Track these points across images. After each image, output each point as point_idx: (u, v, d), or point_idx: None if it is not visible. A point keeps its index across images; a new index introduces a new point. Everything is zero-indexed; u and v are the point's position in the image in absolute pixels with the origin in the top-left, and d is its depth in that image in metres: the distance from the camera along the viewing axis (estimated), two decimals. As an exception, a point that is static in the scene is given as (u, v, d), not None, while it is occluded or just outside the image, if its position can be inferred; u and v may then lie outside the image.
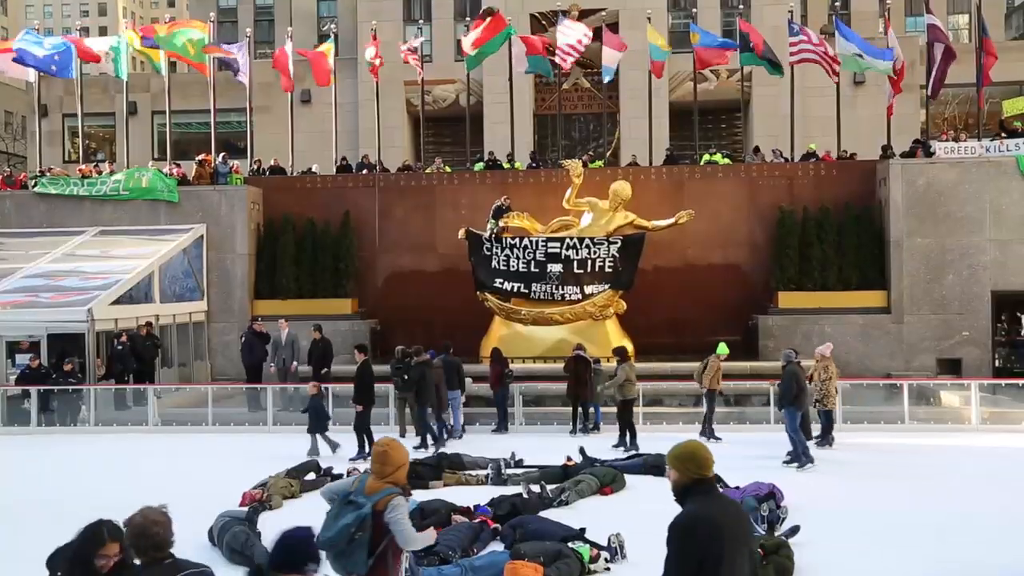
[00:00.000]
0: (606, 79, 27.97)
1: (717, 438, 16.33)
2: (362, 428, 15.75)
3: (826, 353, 16.02)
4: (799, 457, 14.20)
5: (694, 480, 4.69)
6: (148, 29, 27.82)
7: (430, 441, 16.22)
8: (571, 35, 26.25)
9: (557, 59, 26.61)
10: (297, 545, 4.73)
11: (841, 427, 17.44)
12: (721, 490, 12.36)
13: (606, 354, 21.06)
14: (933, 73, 24.82)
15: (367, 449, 15.07)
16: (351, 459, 15.18)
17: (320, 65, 27.85)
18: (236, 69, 27.17)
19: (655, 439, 15.89)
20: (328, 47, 28.28)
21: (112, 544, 4.72)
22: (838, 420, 17.51)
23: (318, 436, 15.73)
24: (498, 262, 22.37)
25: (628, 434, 16.13)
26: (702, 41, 26.34)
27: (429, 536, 6.13)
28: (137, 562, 4.58)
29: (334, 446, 15.78)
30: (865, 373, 22.59)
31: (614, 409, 17.10)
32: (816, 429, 15.90)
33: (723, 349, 17.15)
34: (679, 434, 16.34)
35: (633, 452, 15.20)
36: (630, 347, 22.17)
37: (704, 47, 26.25)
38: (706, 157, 26.99)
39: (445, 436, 16.76)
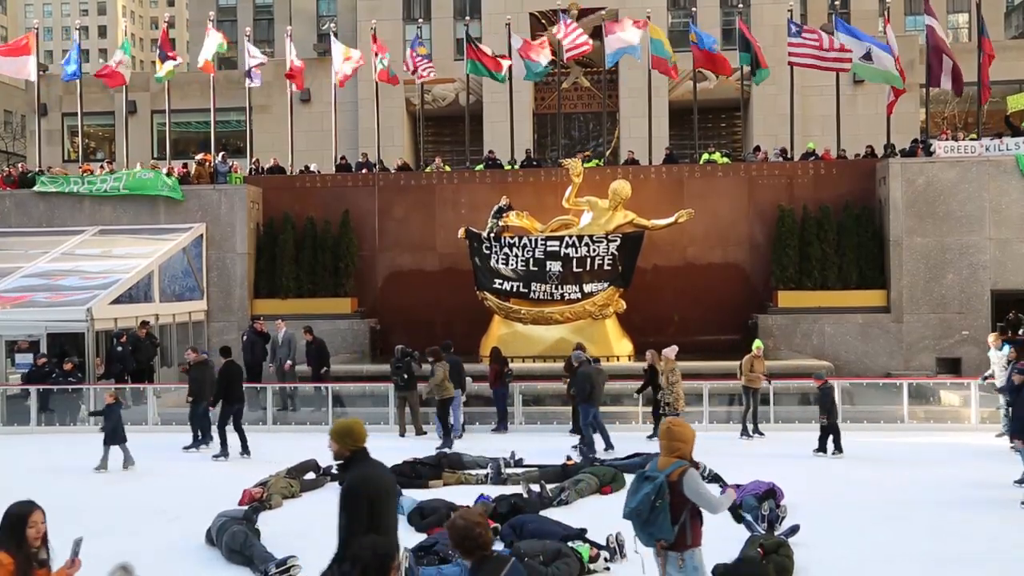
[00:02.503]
0: (624, 57, 27.46)
1: (761, 433, 16.63)
2: (224, 425, 15.68)
3: (671, 356, 16.14)
4: (587, 448, 14.95)
5: (352, 451, 6.04)
6: (166, 43, 27.76)
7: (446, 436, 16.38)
8: (573, 37, 26.21)
9: (561, 55, 26.63)
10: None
11: (841, 426, 17.44)
12: (720, 488, 12.47)
13: (606, 353, 21.13)
14: (933, 67, 24.79)
15: (238, 447, 15.59)
16: (215, 456, 15.51)
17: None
18: (253, 77, 27.40)
19: (655, 439, 15.90)
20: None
21: (38, 512, 5.37)
22: (837, 419, 17.53)
23: (114, 447, 14.63)
24: (497, 261, 22.36)
25: (447, 431, 16.35)
26: (702, 45, 26.25)
27: (728, 497, 6.65)
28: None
29: (129, 462, 14.73)
30: (864, 372, 22.60)
31: (620, 409, 17.12)
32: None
33: (758, 344, 17.28)
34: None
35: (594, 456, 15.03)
36: (629, 347, 22.36)
37: (704, 50, 26.15)
38: (705, 156, 26.98)
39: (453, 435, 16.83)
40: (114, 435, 14.63)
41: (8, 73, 27.51)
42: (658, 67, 26.52)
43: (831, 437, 15.04)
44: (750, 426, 16.85)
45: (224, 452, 15.50)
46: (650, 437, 16.22)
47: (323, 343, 21.00)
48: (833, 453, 14.99)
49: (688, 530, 6.37)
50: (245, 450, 15.71)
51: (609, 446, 15.35)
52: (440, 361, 16.75)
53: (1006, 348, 16.19)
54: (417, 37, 28.55)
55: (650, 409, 16.92)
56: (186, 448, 16.14)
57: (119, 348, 20.21)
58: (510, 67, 26.88)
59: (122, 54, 27.30)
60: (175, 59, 27.50)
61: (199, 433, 16.30)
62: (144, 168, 26.15)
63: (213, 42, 27.26)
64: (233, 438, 15.68)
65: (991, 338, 17.18)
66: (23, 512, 5.31)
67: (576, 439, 15.93)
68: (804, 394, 18.98)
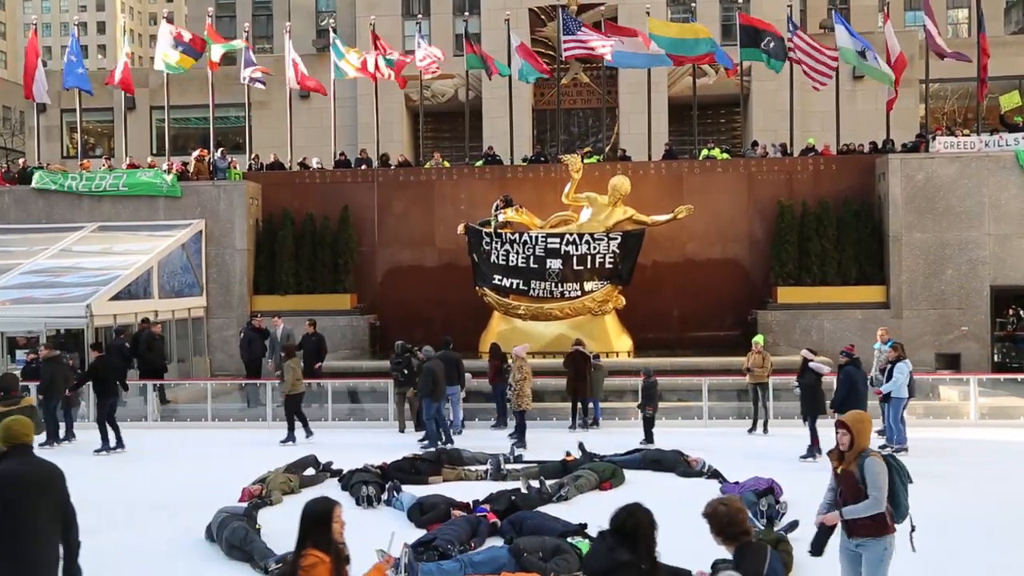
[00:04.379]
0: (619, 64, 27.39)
1: (765, 431, 16.66)
2: (103, 419, 15.87)
3: (521, 354, 16.17)
4: (432, 440, 15.40)
5: (11, 447, 6.18)
6: (198, 41, 27.54)
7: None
8: (585, 39, 26.07)
9: (562, 53, 26.55)
10: None
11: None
12: (720, 485, 12.46)
13: (605, 349, 21.13)
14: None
15: (112, 442, 15.77)
16: (96, 451, 15.66)
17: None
18: (263, 81, 27.28)
19: (656, 435, 15.91)
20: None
21: (339, 508, 5.33)
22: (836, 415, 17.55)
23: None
24: (497, 257, 22.33)
25: (299, 426, 16.56)
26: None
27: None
28: None
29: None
30: (864, 368, 22.56)
31: (619, 405, 17.17)
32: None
33: (759, 338, 17.22)
34: (679, 429, 16.39)
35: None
36: (629, 343, 22.36)
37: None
38: (705, 152, 26.95)
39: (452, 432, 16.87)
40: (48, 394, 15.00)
41: (43, 89, 27.40)
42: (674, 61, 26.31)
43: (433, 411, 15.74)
44: (760, 422, 16.83)
45: (105, 447, 15.68)
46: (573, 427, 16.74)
47: (322, 338, 21.02)
48: (514, 442, 15.45)
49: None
50: (119, 443, 15.86)
51: (448, 440, 15.65)
52: (293, 357, 16.94)
53: (887, 345, 15.98)
54: (420, 35, 28.35)
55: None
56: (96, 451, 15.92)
57: (126, 344, 20.28)
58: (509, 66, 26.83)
59: (128, 48, 27.29)
60: (200, 50, 27.06)
61: (55, 429, 16.40)
62: (143, 169, 26.11)
63: (220, 46, 27.11)
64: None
65: (880, 332, 16.92)
66: (328, 508, 5.21)
67: (574, 438, 15.92)
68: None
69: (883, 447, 14.04)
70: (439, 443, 15.45)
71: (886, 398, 15.02)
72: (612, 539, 5.06)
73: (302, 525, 5.19)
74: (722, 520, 5.25)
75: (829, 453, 6.97)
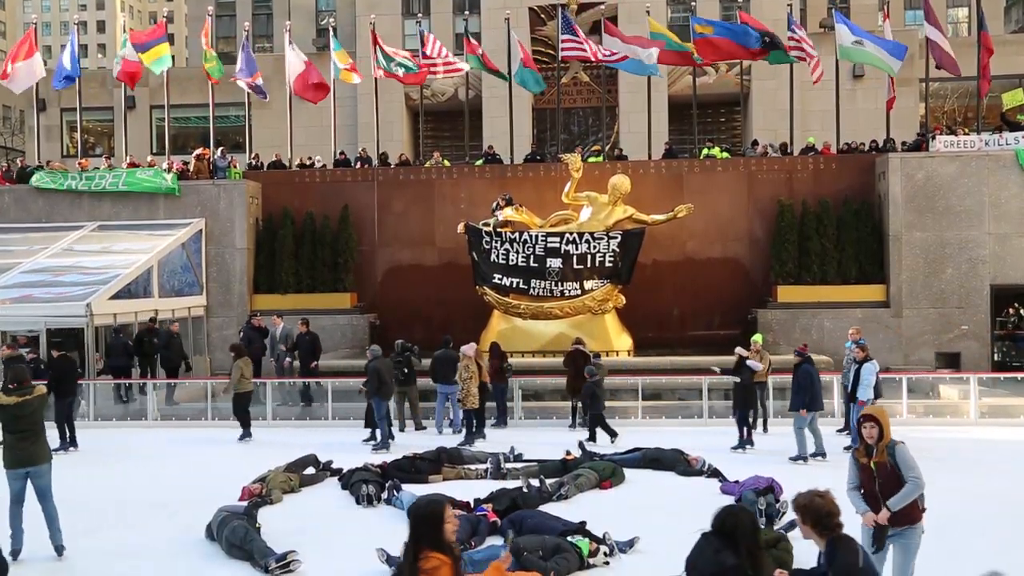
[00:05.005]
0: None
1: (765, 430, 16.63)
2: (62, 419, 15.84)
3: (469, 353, 16.23)
4: (383, 441, 15.38)
5: None
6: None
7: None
8: (584, 44, 26.05)
9: (562, 53, 26.54)
10: None
11: (840, 422, 17.47)
12: (720, 484, 12.48)
13: (605, 348, 21.14)
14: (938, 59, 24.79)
15: (67, 440, 15.81)
16: (54, 450, 15.42)
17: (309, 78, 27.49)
18: (263, 93, 27.21)
19: (655, 434, 15.93)
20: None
21: (449, 507, 5.24)
22: (837, 415, 17.56)
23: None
24: (497, 256, 22.33)
25: (246, 424, 16.73)
26: (718, 32, 25.73)
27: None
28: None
29: None
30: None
31: (619, 404, 17.13)
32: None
33: (757, 338, 17.24)
34: (679, 428, 16.39)
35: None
36: (629, 342, 22.36)
37: (721, 38, 25.60)
38: (705, 151, 26.93)
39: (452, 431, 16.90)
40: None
41: (25, 83, 27.20)
42: (661, 60, 26.29)
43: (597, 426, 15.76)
44: (759, 421, 16.83)
45: (64, 446, 15.66)
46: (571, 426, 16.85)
47: (316, 337, 21.01)
48: (588, 440, 15.47)
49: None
50: (73, 443, 15.90)
51: (390, 437, 15.63)
52: (242, 356, 17.04)
53: (854, 345, 15.92)
54: (422, 35, 28.26)
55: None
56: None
57: (129, 343, 20.30)
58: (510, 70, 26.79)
59: (130, 50, 27.19)
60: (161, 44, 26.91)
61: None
62: (143, 168, 26.11)
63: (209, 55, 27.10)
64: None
65: (851, 331, 16.81)
66: (440, 509, 5.10)
67: (574, 437, 15.93)
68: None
69: (849, 448, 14.20)
70: (389, 443, 15.44)
71: (852, 398, 15.06)
72: (717, 541, 5.08)
73: (415, 527, 5.05)
74: (820, 511, 5.33)
75: (855, 451, 7.04)
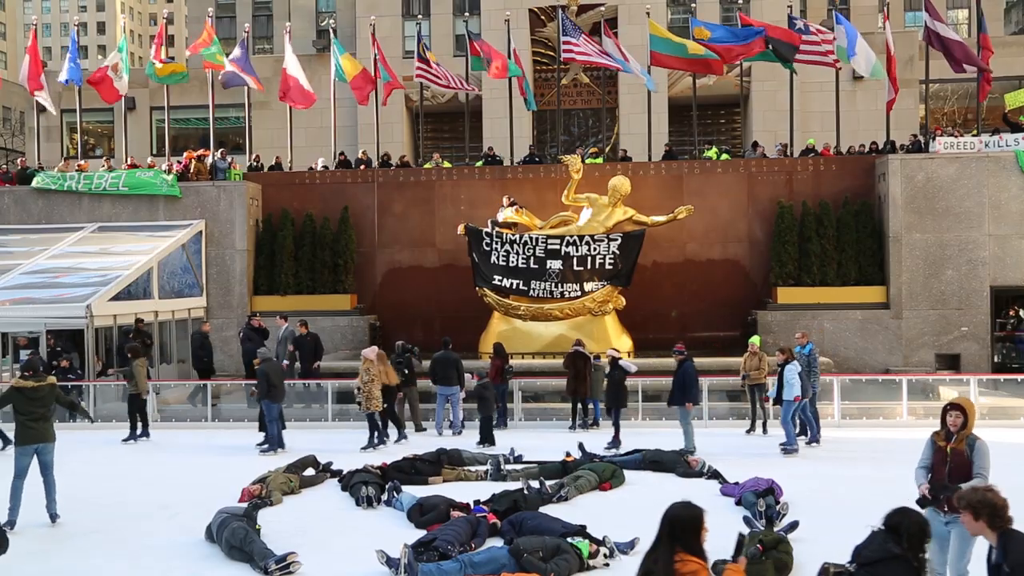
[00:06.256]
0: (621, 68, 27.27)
1: (765, 432, 16.66)
2: None
3: (370, 356, 16.19)
4: (272, 444, 15.44)
5: None
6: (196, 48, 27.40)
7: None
8: (584, 46, 26.02)
9: (562, 54, 26.54)
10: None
11: (840, 422, 17.49)
12: (720, 486, 12.49)
13: (605, 349, 21.09)
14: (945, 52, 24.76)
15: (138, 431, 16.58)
16: (123, 440, 16.27)
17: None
18: (241, 82, 27.03)
19: (655, 435, 15.92)
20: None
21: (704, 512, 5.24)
22: (836, 416, 17.58)
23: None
24: (498, 258, 22.33)
25: (140, 424, 16.88)
26: (714, 37, 25.74)
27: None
28: None
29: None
30: (864, 368, 22.63)
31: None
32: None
33: (756, 339, 17.27)
34: (679, 430, 16.35)
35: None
36: (629, 343, 22.35)
37: (719, 43, 25.62)
38: (707, 153, 26.91)
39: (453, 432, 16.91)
40: None
41: (41, 94, 27.42)
42: (660, 63, 26.30)
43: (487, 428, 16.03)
44: (759, 423, 16.83)
45: (134, 435, 16.10)
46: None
47: (317, 338, 21.03)
48: (482, 442, 15.66)
49: None
50: (144, 433, 16.53)
51: (279, 444, 15.60)
52: (139, 358, 17.07)
53: (806, 350, 16.06)
54: (421, 39, 28.26)
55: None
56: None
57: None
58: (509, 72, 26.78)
59: (118, 56, 27.12)
60: (161, 61, 26.96)
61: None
62: (143, 169, 26.10)
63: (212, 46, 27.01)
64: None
65: (797, 335, 16.86)
66: (700, 515, 5.09)
67: (574, 438, 15.93)
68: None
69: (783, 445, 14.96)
70: (279, 447, 15.43)
71: (778, 400, 15.35)
72: (884, 534, 5.57)
73: (674, 529, 5.04)
74: (996, 506, 5.51)
75: (935, 434, 7.56)
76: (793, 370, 15.09)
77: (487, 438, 15.86)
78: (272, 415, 15.54)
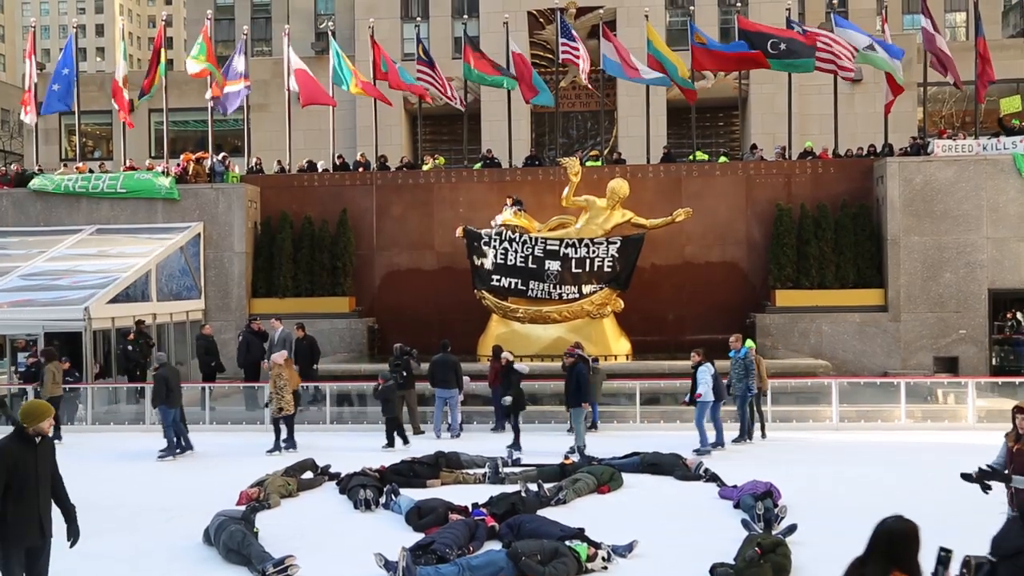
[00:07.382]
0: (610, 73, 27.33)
1: (763, 435, 16.66)
2: None
3: (279, 361, 16.26)
4: (170, 449, 15.51)
5: (20, 425, 7.26)
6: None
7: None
8: (576, 48, 26.04)
9: (561, 57, 26.55)
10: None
11: (838, 425, 17.52)
12: (718, 489, 12.49)
13: (604, 352, 21.13)
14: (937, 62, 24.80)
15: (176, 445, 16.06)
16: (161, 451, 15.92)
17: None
18: (224, 108, 26.91)
19: (653, 437, 15.93)
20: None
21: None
22: (835, 419, 17.60)
23: None
24: (496, 256, 22.31)
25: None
26: (710, 45, 25.78)
27: None
28: None
29: None
30: (862, 371, 22.62)
31: (617, 408, 17.12)
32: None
33: (750, 343, 17.18)
34: (678, 432, 16.40)
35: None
36: (627, 346, 22.35)
37: (712, 50, 25.67)
38: (696, 156, 26.87)
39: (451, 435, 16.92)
40: None
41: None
42: (655, 67, 26.32)
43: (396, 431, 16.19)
44: (757, 426, 16.78)
45: (171, 451, 15.76)
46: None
47: (314, 341, 21.01)
48: (385, 446, 15.84)
49: None
50: (185, 446, 16.07)
51: (188, 446, 15.76)
52: (52, 361, 17.07)
53: (741, 353, 16.07)
54: (420, 43, 28.20)
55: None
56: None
57: (129, 348, 20.30)
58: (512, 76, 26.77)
59: (124, 66, 27.18)
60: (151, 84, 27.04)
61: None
62: (141, 171, 26.09)
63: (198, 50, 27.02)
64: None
65: (732, 339, 16.65)
66: (918, 533, 4.83)
67: (573, 441, 15.92)
68: (801, 393, 19.03)
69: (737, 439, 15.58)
70: (177, 451, 15.48)
71: (692, 402, 15.56)
72: (1022, 524, 5.86)
73: (891, 546, 4.80)
74: None
75: (1007, 435, 8.42)
76: (705, 372, 15.27)
77: (391, 442, 16.03)
78: (167, 420, 15.56)
